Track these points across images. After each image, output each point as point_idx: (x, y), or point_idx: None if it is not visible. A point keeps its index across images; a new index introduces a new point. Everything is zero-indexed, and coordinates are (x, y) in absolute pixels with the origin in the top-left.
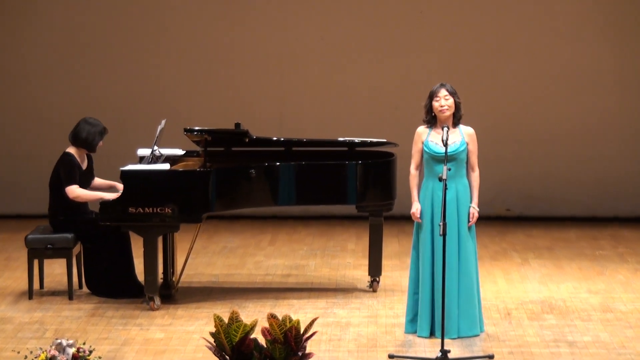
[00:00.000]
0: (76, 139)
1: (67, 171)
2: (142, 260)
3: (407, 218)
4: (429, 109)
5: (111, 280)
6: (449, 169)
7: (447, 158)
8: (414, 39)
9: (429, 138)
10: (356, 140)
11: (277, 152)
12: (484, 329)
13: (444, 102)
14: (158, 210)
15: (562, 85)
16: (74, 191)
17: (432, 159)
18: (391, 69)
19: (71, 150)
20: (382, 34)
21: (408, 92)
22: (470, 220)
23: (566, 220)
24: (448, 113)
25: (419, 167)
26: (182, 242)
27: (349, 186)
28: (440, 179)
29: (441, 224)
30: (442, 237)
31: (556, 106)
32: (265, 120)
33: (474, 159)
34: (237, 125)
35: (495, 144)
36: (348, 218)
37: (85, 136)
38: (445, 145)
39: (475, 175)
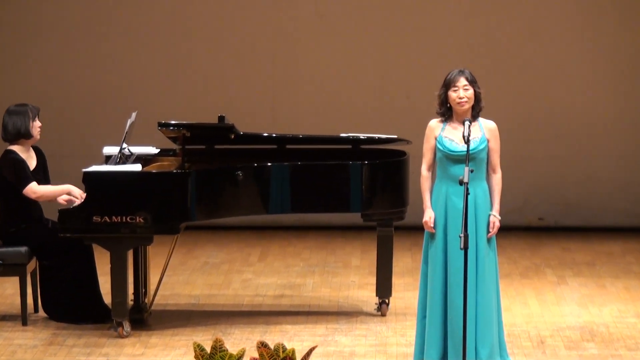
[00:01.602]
0: (6, 134)
1: (16, 170)
2: (108, 278)
3: (421, 228)
4: (444, 99)
5: (72, 303)
6: (472, 171)
7: (468, 157)
8: (428, 16)
9: (443, 133)
10: (361, 137)
11: (269, 151)
12: (509, 358)
13: (462, 93)
14: (128, 219)
15: (606, 72)
16: (35, 190)
17: (447, 159)
18: (402, 51)
19: (13, 147)
20: (391, 11)
21: (422, 79)
22: (491, 230)
23: (610, 231)
24: (467, 106)
25: (432, 167)
26: (156, 257)
27: (352, 191)
28: (461, 182)
29: (462, 235)
30: (461, 251)
31: (598, 97)
32: (254, 112)
33: (496, 159)
34: (221, 118)
35: (525, 141)
36: (352, 228)
37: (13, 127)
38: (467, 141)
39: (497, 178)
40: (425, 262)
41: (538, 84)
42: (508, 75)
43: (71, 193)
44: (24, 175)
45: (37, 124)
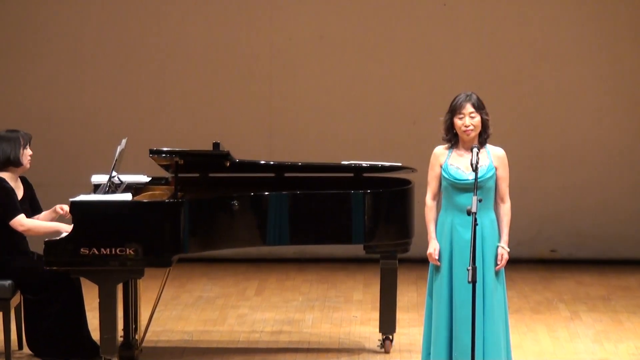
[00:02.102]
0: None
1: (4, 199)
2: (97, 313)
3: (427, 261)
4: (450, 125)
5: (59, 339)
6: (480, 200)
7: (477, 185)
8: (435, 39)
9: (448, 161)
10: (364, 165)
11: (266, 179)
12: None
13: (468, 120)
14: (117, 251)
15: (622, 98)
16: (23, 223)
17: (453, 188)
18: (408, 75)
19: (2, 174)
20: (396, 32)
21: (429, 103)
22: (499, 262)
23: (626, 264)
24: (473, 134)
25: (437, 196)
26: (147, 291)
27: (354, 221)
28: (469, 213)
29: (470, 268)
30: (467, 285)
31: (613, 123)
32: (250, 139)
33: (505, 188)
34: (216, 145)
35: (535, 169)
36: (354, 261)
37: (2, 153)
38: (476, 169)
39: (506, 208)
40: (430, 295)
41: (549, 109)
42: (518, 100)
43: (60, 231)
44: (13, 206)
45: (28, 152)
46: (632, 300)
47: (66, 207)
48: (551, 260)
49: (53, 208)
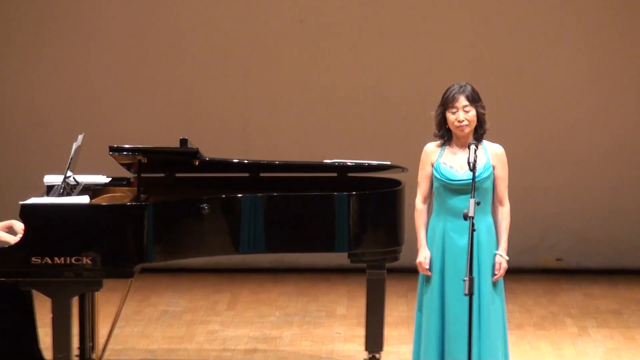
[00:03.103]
0: None
1: None
2: (50, 330)
3: (418, 271)
4: (442, 120)
5: (7, 358)
6: (478, 203)
7: (474, 186)
8: (429, 25)
9: (441, 159)
10: (349, 164)
11: (240, 180)
12: None
13: (462, 115)
14: (73, 260)
15: (637, 87)
16: None
17: (445, 189)
18: (398, 63)
19: None
20: (385, 16)
21: (421, 96)
22: (496, 272)
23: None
24: (468, 130)
25: (428, 199)
26: (106, 305)
27: (338, 227)
28: (466, 217)
29: (466, 279)
30: (461, 298)
31: (626, 115)
32: (223, 135)
33: (503, 189)
34: (183, 142)
35: (539, 169)
36: (337, 271)
37: None
38: (473, 168)
39: (505, 212)
40: (420, 309)
41: (553, 102)
42: (518, 92)
43: (13, 228)
44: None
45: None
46: None
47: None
48: (556, 270)
49: (8, 223)
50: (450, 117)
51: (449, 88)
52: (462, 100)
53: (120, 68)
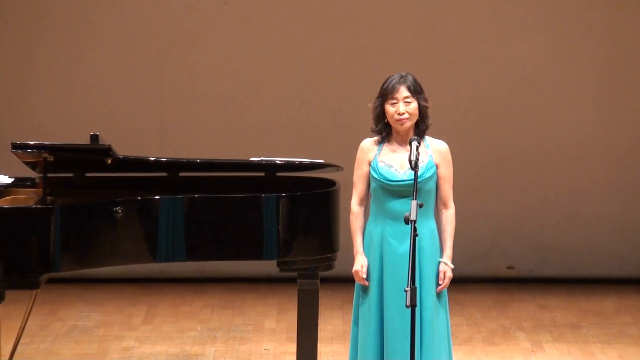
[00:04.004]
0: None
1: None
2: None
3: (354, 280)
4: (380, 113)
5: None
6: (421, 205)
7: (416, 187)
8: (366, 5)
9: (378, 157)
10: (277, 162)
11: (157, 180)
12: None
13: (402, 107)
14: None
15: (596, 79)
16: None
17: (384, 190)
18: (331, 50)
19: None
20: None
21: (358, 87)
22: (440, 282)
23: (600, 284)
24: (409, 124)
25: (365, 201)
26: (8, 320)
27: (266, 232)
28: (407, 220)
29: (408, 289)
30: (401, 310)
31: (585, 110)
32: (137, 131)
33: (448, 190)
34: (94, 137)
35: (488, 168)
36: (266, 281)
37: None
38: (415, 167)
39: (449, 215)
40: (356, 323)
41: (505, 93)
42: (465, 84)
43: None
44: None
45: None
46: (607, 328)
47: None
48: (508, 279)
49: None
50: (390, 109)
51: (389, 78)
52: (403, 91)
53: (23, 58)
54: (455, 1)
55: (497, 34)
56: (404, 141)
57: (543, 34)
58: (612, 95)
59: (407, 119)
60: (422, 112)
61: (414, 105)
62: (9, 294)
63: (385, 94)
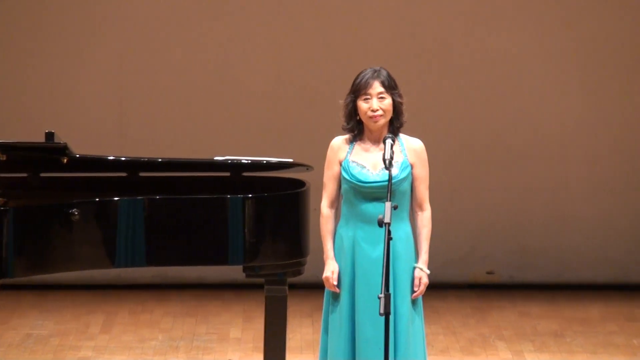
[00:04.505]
0: None
1: None
2: None
3: (324, 287)
4: (352, 110)
5: None
6: (395, 207)
7: (390, 188)
8: None
9: (350, 157)
10: (243, 161)
11: (116, 180)
12: None
13: (376, 103)
14: None
15: (584, 71)
16: None
17: (356, 192)
18: (301, 43)
19: None
20: None
21: (328, 83)
22: (415, 289)
23: (585, 290)
24: (382, 121)
25: (336, 203)
26: None
27: (231, 235)
28: (381, 224)
29: (381, 296)
30: (374, 318)
31: (570, 105)
32: (95, 128)
33: (424, 191)
34: (50, 135)
35: (469, 167)
36: (231, 287)
37: None
38: (389, 167)
39: (425, 218)
40: (326, 332)
41: (484, 89)
42: (442, 80)
43: None
44: None
45: None
46: (592, 336)
47: None
48: (487, 285)
49: None
50: (362, 106)
51: (361, 73)
52: (377, 87)
53: None
54: None
55: (477, 27)
56: (377, 140)
57: (524, 28)
58: (597, 90)
59: (380, 115)
60: (397, 108)
61: (388, 101)
62: None
63: (358, 90)
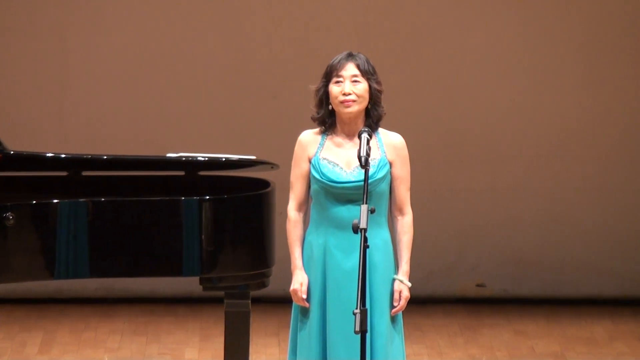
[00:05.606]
0: None
1: None
2: None
3: (292, 301)
4: (323, 96)
5: None
6: (372, 210)
7: (367, 189)
8: None
9: (320, 153)
10: (200, 158)
11: (56, 181)
12: None
13: (349, 87)
14: None
15: (578, 64)
16: None
17: (326, 193)
18: (265, 27)
19: None
20: None
21: (295, 71)
22: (395, 304)
23: (588, 305)
24: (355, 108)
25: (305, 205)
26: None
27: (186, 243)
28: (356, 229)
29: (357, 312)
30: (348, 336)
31: (570, 101)
32: (34, 123)
33: (404, 193)
34: None
35: (456, 167)
36: (186, 301)
37: None
38: (366, 164)
39: (406, 223)
40: (294, 352)
41: (471, 80)
42: (425, 66)
43: None
44: None
45: None
46: (598, 358)
47: None
48: (478, 299)
49: None
50: (334, 89)
51: (336, 56)
52: (351, 68)
53: None
54: None
55: (462, 12)
56: (351, 133)
57: (516, 13)
58: (597, 82)
59: (353, 100)
60: (374, 96)
61: (362, 85)
62: None
63: (330, 72)
